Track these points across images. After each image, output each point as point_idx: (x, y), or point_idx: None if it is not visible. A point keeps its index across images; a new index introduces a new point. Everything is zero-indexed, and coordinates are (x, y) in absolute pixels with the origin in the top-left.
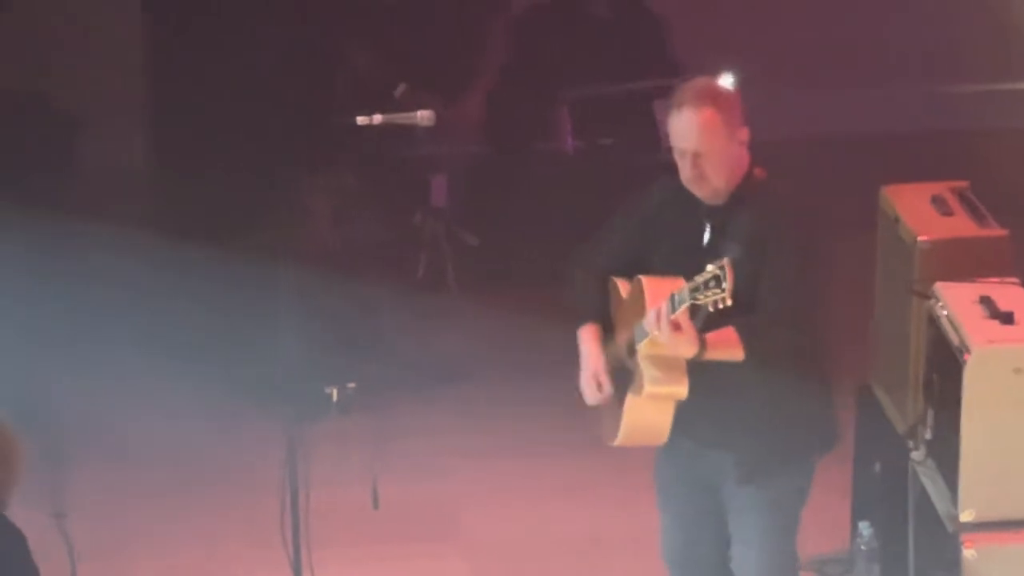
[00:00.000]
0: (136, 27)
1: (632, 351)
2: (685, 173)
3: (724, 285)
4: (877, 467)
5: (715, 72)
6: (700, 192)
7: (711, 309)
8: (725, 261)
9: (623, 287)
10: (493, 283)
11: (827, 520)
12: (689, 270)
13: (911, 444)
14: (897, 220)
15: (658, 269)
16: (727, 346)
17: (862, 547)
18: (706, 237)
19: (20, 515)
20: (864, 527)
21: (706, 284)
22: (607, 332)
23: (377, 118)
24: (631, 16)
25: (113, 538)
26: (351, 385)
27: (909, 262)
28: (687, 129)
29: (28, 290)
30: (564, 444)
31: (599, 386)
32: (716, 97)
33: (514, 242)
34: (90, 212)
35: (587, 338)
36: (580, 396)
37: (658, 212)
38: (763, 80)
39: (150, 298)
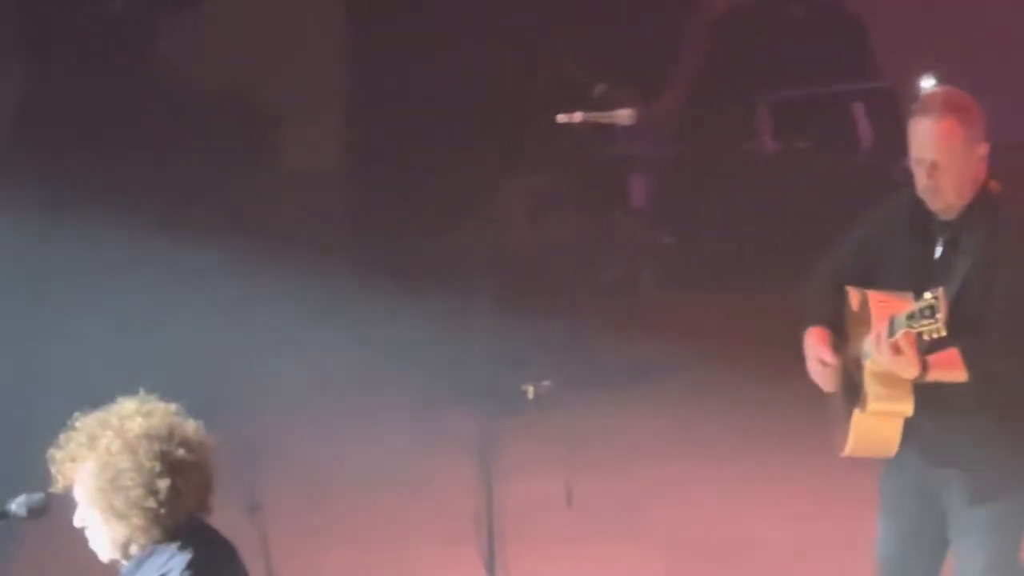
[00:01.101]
0: (338, 26)
1: (859, 366)
2: (921, 182)
3: (938, 316)
4: None
5: (916, 74)
6: (933, 203)
7: (925, 338)
8: (940, 291)
9: (854, 298)
10: (689, 283)
11: None
12: (920, 284)
13: None
14: None
15: (890, 281)
16: (950, 368)
17: None
18: (938, 251)
19: (216, 507)
20: None
21: (921, 313)
22: (839, 339)
23: (577, 117)
24: (831, 18)
25: (306, 532)
26: (547, 383)
27: None
28: (927, 137)
29: (226, 285)
30: (760, 446)
31: (823, 363)
32: (960, 108)
33: (711, 243)
34: (289, 212)
35: (810, 336)
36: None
37: (892, 224)
38: (963, 82)
39: (345, 294)
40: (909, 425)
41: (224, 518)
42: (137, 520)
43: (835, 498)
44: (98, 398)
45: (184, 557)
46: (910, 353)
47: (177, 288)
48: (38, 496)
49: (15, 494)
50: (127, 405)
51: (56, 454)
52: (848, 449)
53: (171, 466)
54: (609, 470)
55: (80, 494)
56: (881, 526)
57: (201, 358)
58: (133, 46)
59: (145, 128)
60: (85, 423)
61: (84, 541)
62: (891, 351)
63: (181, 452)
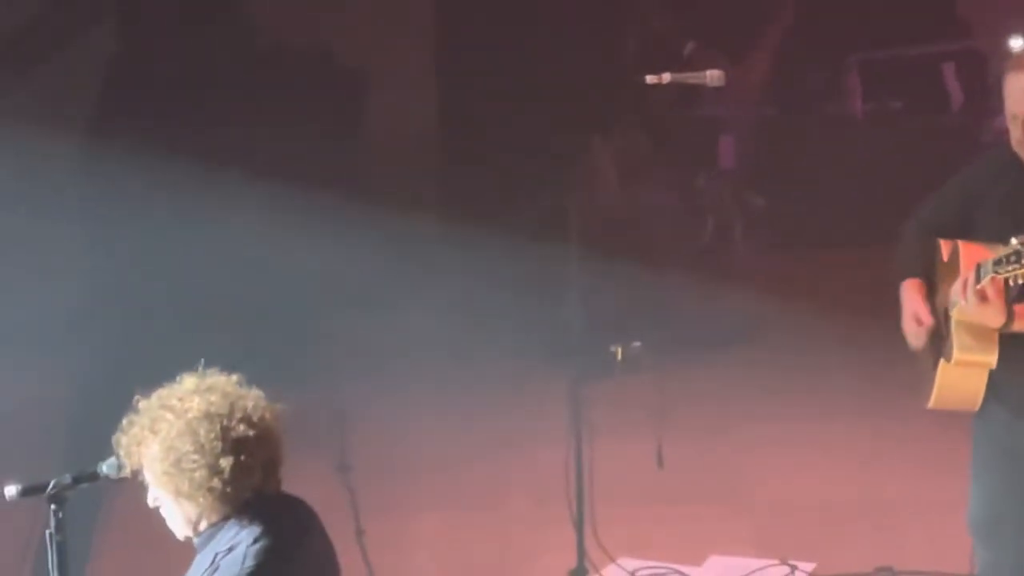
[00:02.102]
0: None
1: (946, 316)
2: (1015, 136)
3: None
4: None
5: (1005, 34)
6: None
7: (1011, 284)
8: None
9: (945, 248)
10: (780, 244)
11: None
12: (1011, 238)
13: None
14: None
15: (982, 235)
16: None
17: None
18: None
19: (306, 469)
20: None
21: (1008, 259)
22: (929, 290)
23: (666, 77)
24: None
25: (396, 492)
26: (636, 344)
27: None
28: (1022, 93)
29: (316, 246)
30: (851, 408)
31: (919, 322)
32: None
33: (802, 204)
34: (379, 174)
35: (908, 288)
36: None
37: (987, 178)
38: None
39: (434, 255)
40: (997, 380)
41: (314, 479)
42: (204, 500)
43: (927, 461)
44: (186, 358)
45: (253, 530)
46: (996, 301)
47: (266, 250)
48: None
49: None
50: (186, 383)
51: (121, 439)
52: (933, 400)
53: (233, 444)
54: (699, 432)
55: (148, 477)
56: (973, 486)
57: (291, 319)
58: (223, 9)
59: (233, 92)
60: (147, 405)
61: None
62: (977, 298)
63: (242, 428)
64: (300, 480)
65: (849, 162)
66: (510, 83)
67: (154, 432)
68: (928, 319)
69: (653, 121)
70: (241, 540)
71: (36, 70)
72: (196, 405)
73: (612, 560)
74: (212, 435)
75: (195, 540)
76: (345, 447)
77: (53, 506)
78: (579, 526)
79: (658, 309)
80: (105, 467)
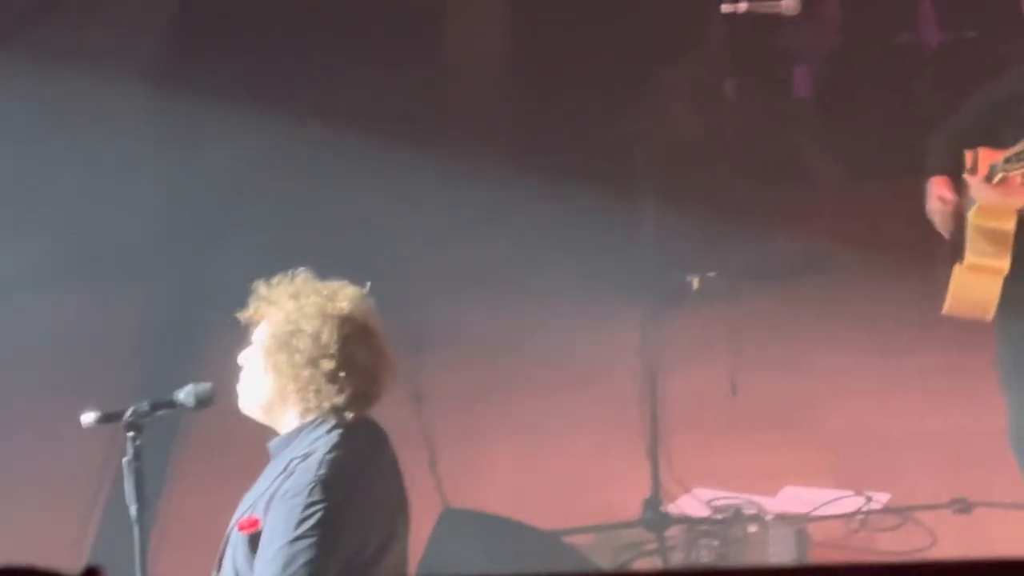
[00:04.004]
0: None
1: (964, 220)
2: None
3: None
4: None
5: None
6: None
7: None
8: None
9: (969, 157)
10: (856, 172)
11: None
12: None
13: None
14: None
15: (1006, 142)
16: None
17: None
18: None
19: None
20: None
21: (1018, 156)
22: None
23: (742, 6)
24: None
25: (471, 421)
26: (711, 274)
27: None
28: None
29: (387, 174)
30: (921, 340)
31: (943, 200)
32: None
33: (875, 134)
34: (453, 102)
35: (935, 180)
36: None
37: (1011, 90)
38: None
39: (510, 184)
40: (1014, 292)
41: (388, 408)
42: (291, 385)
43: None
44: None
45: (330, 439)
46: (1018, 194)
47: (342, 178)
48: (205, 386)
49: (182, 385)
50: (349, 289)
51: (261, 288)
52: (947, 306)
53: (343, 356)
54: (774, 361)
55: (259, 335)
56: (1009, 402)
57: (366, 246)
58: None
59: (305, 19)
60: (300, 279)
61: (247, 428)
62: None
63: (359, 350)
64: (374, 408)
65: (923, 92)
66: (585, 13)
67: (291, 301)
68: (952, 196)
69: (730, 50)
70: (318, 448)
71: (107, 6)
72: (341, 307)
73: (687, 491)
74: (335, 336)
75: (270, 445)
76: (419, 376)
77: (131, 433)
78: (654, 456)
79: (733, 239)
80: (182, 395)
